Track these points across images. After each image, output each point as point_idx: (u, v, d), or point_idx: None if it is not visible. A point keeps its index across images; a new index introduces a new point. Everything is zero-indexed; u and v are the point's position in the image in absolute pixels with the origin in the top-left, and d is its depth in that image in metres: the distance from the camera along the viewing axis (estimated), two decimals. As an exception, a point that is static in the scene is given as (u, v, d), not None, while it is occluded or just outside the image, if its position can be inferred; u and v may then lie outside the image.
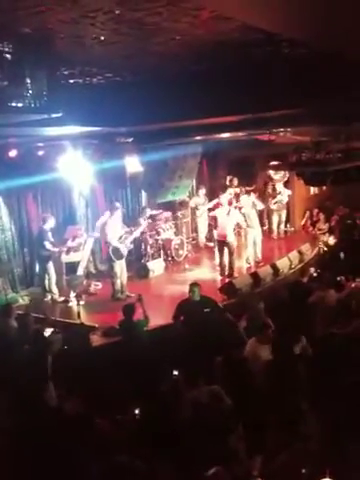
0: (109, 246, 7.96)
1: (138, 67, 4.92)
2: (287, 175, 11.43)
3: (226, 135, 7.58)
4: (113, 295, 7.95)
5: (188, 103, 4.95)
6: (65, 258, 8.19)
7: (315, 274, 8.44)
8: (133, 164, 8.26)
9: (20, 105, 4.00)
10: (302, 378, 4.35)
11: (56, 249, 7.98)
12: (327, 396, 3.80)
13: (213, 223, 9.95)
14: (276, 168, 10.50)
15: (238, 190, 10.57)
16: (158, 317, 6.51)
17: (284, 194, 11.60)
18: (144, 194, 10.80)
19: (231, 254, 8.70)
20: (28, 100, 3.98)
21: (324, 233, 11.73)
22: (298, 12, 2.53)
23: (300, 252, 9.58)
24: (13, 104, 3.99)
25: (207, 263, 10.11)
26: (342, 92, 4.63)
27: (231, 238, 8.74)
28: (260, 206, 9.95)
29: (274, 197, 11.61)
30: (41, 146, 7.38)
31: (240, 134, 7.56)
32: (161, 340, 5.89)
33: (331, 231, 11.63)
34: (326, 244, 10.93)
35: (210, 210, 9.95)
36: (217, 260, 9.17)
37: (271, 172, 11.44)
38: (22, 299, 8.18)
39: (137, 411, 4.20)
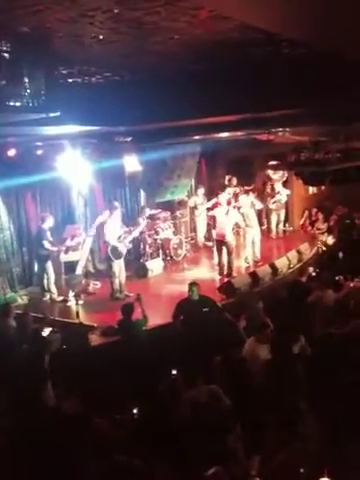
0: (108, 245, 7.95)
1: (137, 66, 4.92)
2: (286, 175, 11.43)
3: (225, 135, 7.58)
4: (112, 295, 7.95)
5: (187, 102, 4.95)
6: (64, 257, 8.18)
7: (314, 274, 8.45)
8: (132, 163, 8.25)
9: (18, 104, 3.99)
10: (300, 378, 4.35)
11: (55, 248, 7.97)
12: (325, 396, 3.80)
13: (212, 223, 9.95)
14: (275, 168, 10.50)
15: (237, 190, 10.57)
16: (157, 317, 6.51)
17: (283, 194, 11.60)
18: (143, 193, 10.79)
19: (230, 254, 8.70)
20: (26, 99, 3.98)
21: (323, 233, 11.74)
22: (297, 12, 2.53)
23: (299, 252, 9.58)
24: (11, 103, 3.98)
25: (206, 263, 10.11)
26: (341, 92, 4.63)
27: (230, 238, 8.74)
28: (259, 206, 9.95)
29: (273, 197, 11.60)
30: (40, 145, 7.37)
31: (239, 134, 7.55)
32: (160, 340, 5.89)
33: (330, 231, 11.64)
34: (325, 244, 10.94)
35: (209, 209, 9.95)
36: (216, 260, 9.17)
37: (270, 172, 11.44)
38: (21, 298, 8.17)
39: (136, 410, 4.20)
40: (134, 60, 4.64)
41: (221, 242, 8.75)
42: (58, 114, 4.51)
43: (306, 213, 12.55)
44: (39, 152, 7.44)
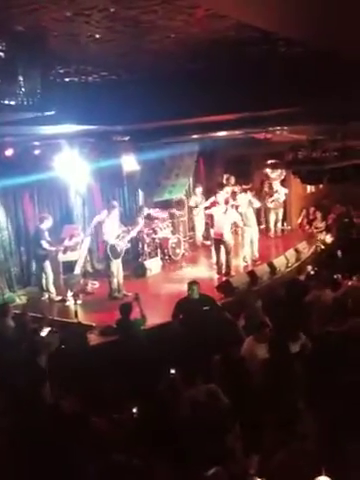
0: (106, 245, 7.94)
1: (133, 65, 4.91)
2: (284, 173, 11.42)
3: (223, 133, 7.57)
4: (110, 294, 7.94)
5: (184, 101, 4.95)
6: (62, 257, 8.18)
7: (313, 272, 8.45)
8: (130, 163, 8.24)
9: (13, 103, 3.98)
10: (299, 377, 4.35)
11: (53, 248, 7.96)
12: (324, 395, 3.80)
13: (210, 222, 9.94)
14: (273, 166, 10.50)
15: (235, 188, 10.56)
16: (155, 316, 6.50)
17: (281, 192, 11.60)
18: (141, 193, 10.78)
19: (228, 253, 8.70)
20: (21, 98, 3.96)
21: (321, 231, 11.74)
22: (294, 11, 2.53)
23: (297, 250, 9.58)
24: (6, 102, 3.96)
25: (204, 262, 10.10)
26: (338, 91, 4.63)
27: (228, 237, 8.73)
28: (257, 204, 9.95)
29: (271, 195, 11.60)
30: (37, 145, 7.36)
31: (236, 132, 7.56)
32: (158, 339, 5.88)
33: (328, 229, 11.64)
34: (323, 242, 10.94)
35: (207, 208, 9.94)
36: (214, 259, 9.17)
37: (268, 170, 11.44)
38: (19, 298, 8.16)
39: (135, 410, 4.20)
40: (130, 59, 4.63)
41: (219, 241, 8.75)
42: (53, 113, 4.50)
43: (304, 212, 12.55)
44: (37, 152, 7.43)
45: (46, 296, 8.05)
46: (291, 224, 12.54)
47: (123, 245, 8.09)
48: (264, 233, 11.26)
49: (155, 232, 9.82)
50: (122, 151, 7.97)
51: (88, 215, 9.58)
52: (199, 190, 11.05)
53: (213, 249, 9.24)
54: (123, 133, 7.16)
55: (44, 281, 8.02)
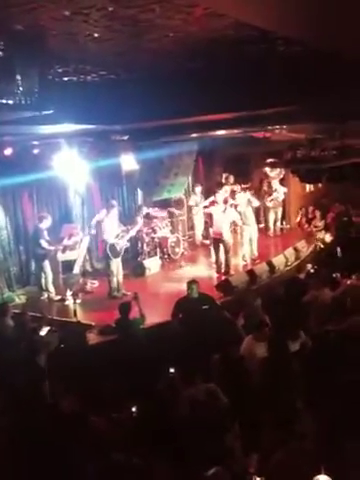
0: (106, 244, 7.94)
1: (132, 64, 4.90)
2: (283, 172, 11.43)
3: (221, 132, 7.57)
4: (109, 293, 7.94)
5: (183, 100, 4.94)
6: (61, 256, 8.18)
7: (312, 271, 8.46)
8: (129, 162, 8.24)
9: (10, 102, 3.97)
10: (298, 376, 4.35)
11: (52, 248, 7.96)
12: (322, 394, 3.80)
13: (209, 221, 9.94)
14: (272, 165, 10.50)
15: (234, 187, 10.56)
16: (154, 315, 6.51)
17: (280, 191, 11.60)
18: (140, 192, 10.78)
19: (227, 252, 8.70)
20: (19, 97, 3.95)
21: (320, 230, 11.75)
22: (293, 9, 2.52)
23: (296, 249, 9.60)
24: (4, 101, 3.95)
25: (203, 261, 10.11)
26: (337, 90, 4.63)
27: (227, 236, 8.74)
28: (256, 203, 9.95)
29: (270, 194, 11.61)
30: (36, 144, 7.35)
31: (235, 131, 7.55)
32: (157, 338, 5.89)
33: (327, 228, 11.65)
34: (322, 241, 10.94)
35: (206, 207, 9.94)
36: (213, 258, 9.17)
37: (267, 169, 11.44)
38: (18, 298, 8.16)
39: (134, 409, 4.20)
40: (129, 58, 4.62)
41: (218, 240, 8.75)
42: (52, 112, 4.49)
43: (303, 211, 12.56)
44: (36, 151, 7.42)
45: (45, 295, 8.05)
46: (290, 223, 12.55)
47: (122, 244, 8.10)
48: (263, 232, 11.26)
49: (154, 231, 9.82)
50: (121, 150, 7.97)
51: (87, 214, 9.58)
52: (198, 189, 11.05)
53: (212, 248, 9.25)
54: (122, 132, 7.16)
55: (43, 280, 8.02)
